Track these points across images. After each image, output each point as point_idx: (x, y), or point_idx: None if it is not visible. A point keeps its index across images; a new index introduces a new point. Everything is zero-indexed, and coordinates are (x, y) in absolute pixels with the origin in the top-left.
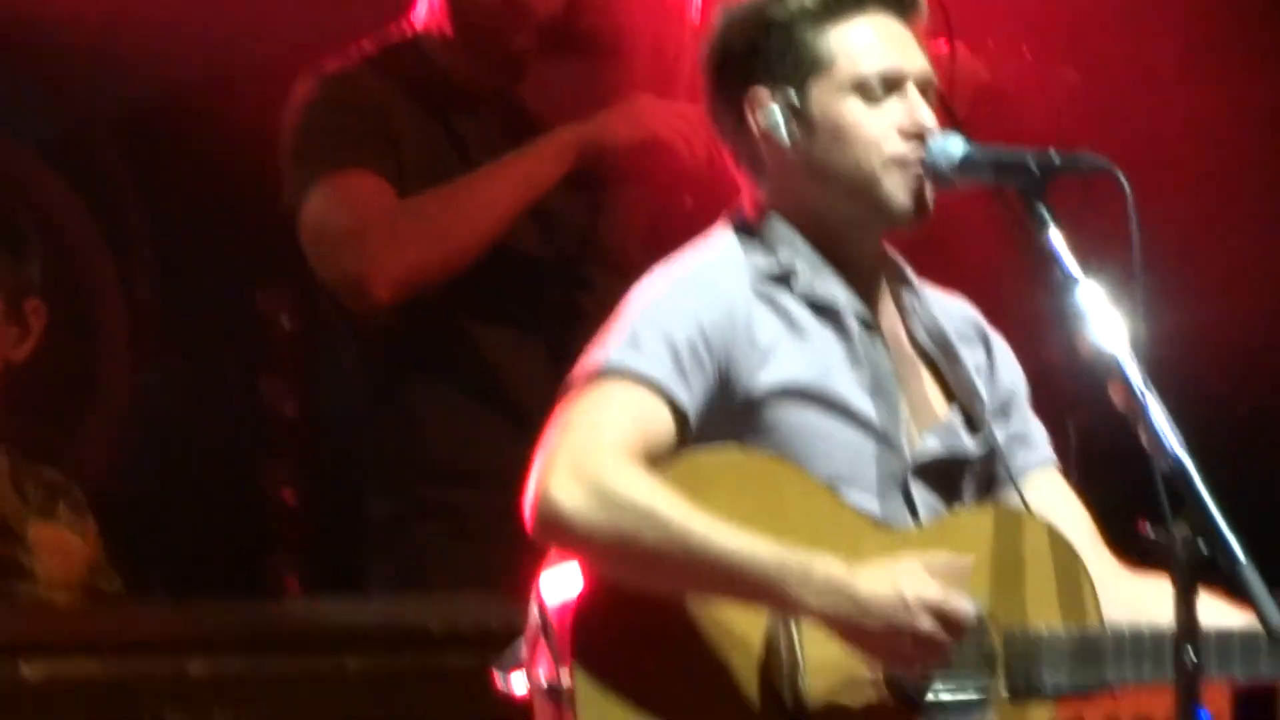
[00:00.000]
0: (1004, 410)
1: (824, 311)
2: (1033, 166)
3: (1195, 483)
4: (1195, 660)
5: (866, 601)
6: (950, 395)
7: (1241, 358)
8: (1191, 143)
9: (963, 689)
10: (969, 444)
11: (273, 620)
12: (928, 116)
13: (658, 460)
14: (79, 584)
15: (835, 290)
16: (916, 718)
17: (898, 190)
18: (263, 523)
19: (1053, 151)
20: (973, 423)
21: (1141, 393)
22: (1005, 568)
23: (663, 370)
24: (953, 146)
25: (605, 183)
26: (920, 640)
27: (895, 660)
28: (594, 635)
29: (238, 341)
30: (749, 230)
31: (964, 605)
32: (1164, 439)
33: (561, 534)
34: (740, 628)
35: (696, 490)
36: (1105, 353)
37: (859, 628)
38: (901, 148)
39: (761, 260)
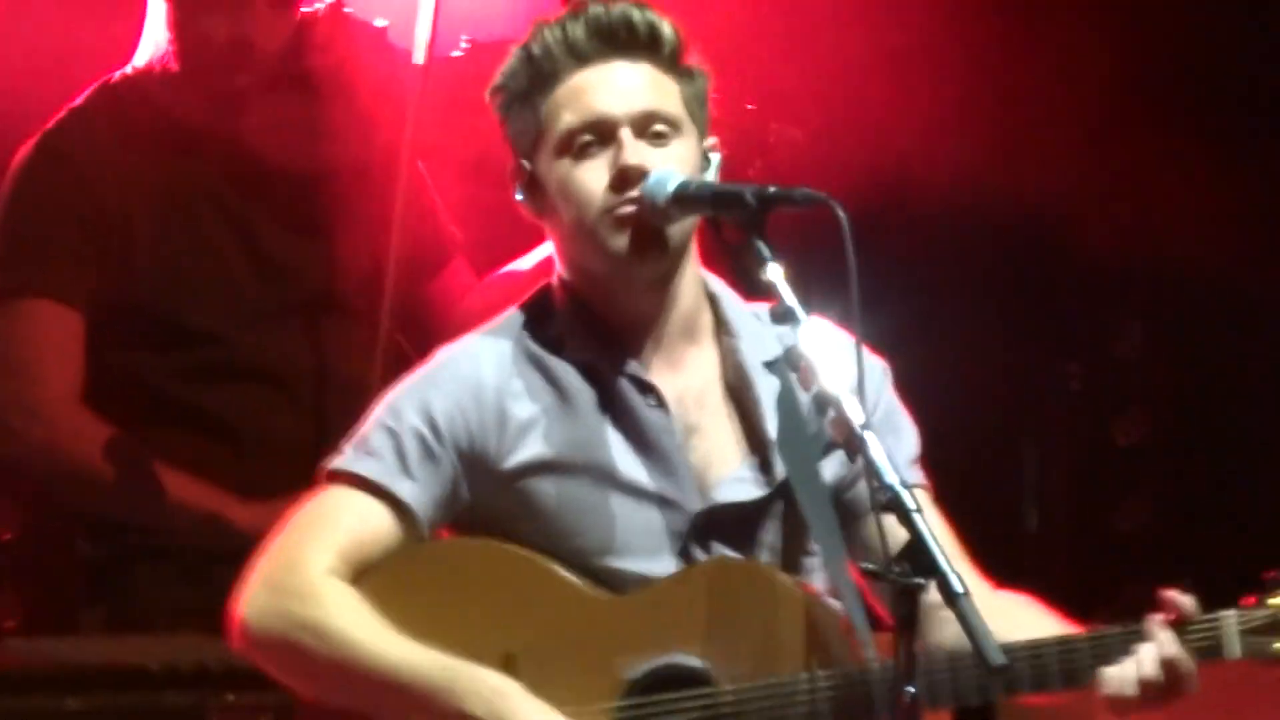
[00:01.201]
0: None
1: (594, 377)
2: (749, 198)
3: (915, 520)
4: (914, 696)
5: None
6: (754, 440)
7: (962, 390)
8: (918, 191)
9: None
10: (756, 492)
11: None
12: (638, 155)
13: (379, 557)
14: None
15: (606, 353)
16: None
17: (614, 239)
18: None
19: (773, 187)
20: (767, 467)
21: (861, 431)
22: (739, 616)
23: (384, 470)
24: (668, 180)
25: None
26: None
27: None
28: None
29: None
30: (543, 298)
31: None
32: (884, 476)
33: (245, 644)
34: None
35: (411, 594)
36: (826, 391)
37: None
38: (611, 199)
39: (541, 329)
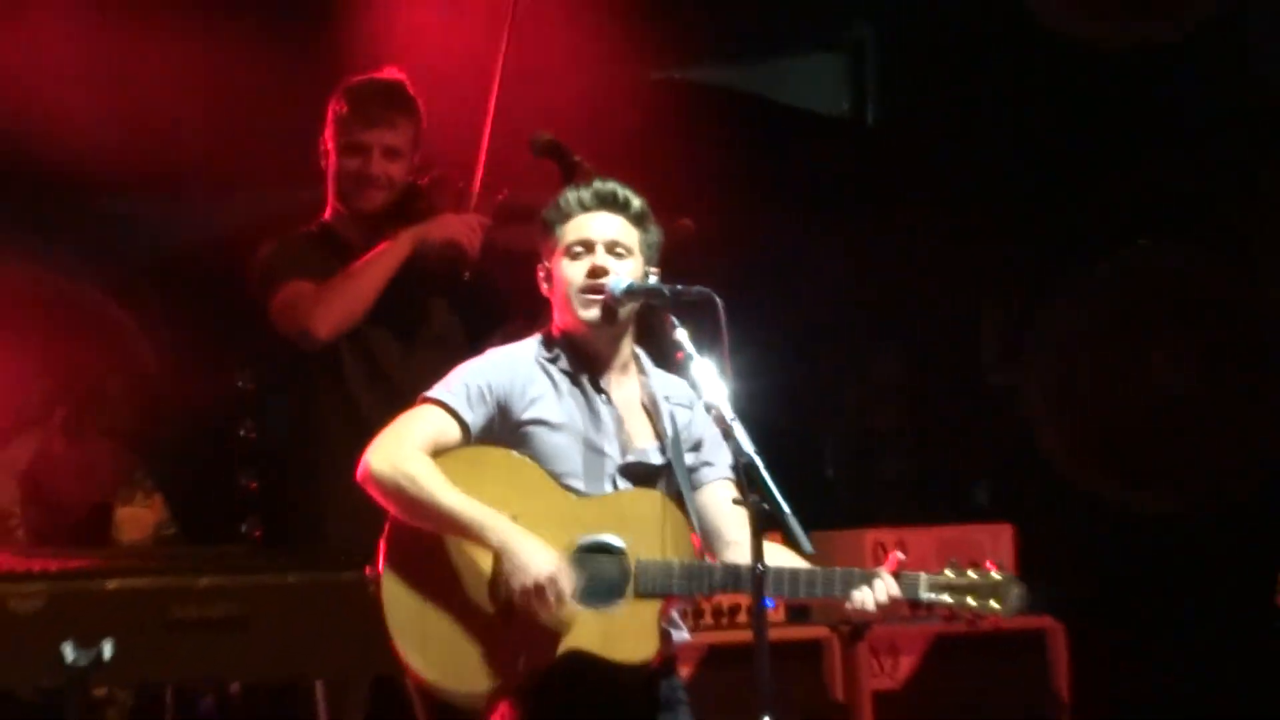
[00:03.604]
0: (696, 446)
1: (573, 379)
2: (665, 293)
3: (761, 471)
4: (763, 568)
5: (517, 554)
6: (656, 433)
7: (796, 403)
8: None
9: (608, 590)
10: (656, 460)
11: (250, 557)
12: (603, 261)
13: (446, 450)
14: (149, 538)
15: (579, 369)
16: (579, 605)
17: (585, 310)
18: (241, 501)
19: (680, 286)
20: (664, 449)
21: (732, 421)
22: (646, 520)
23: (458, 402)
24: (618, 283)
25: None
26: (525, 590)
27: (513, 588)
28: (394, 546)
29: (224, 398)
30: (546, 335)
31: (560, 591)
32: (744, 447)
33: (366, 483)
34: (482, 553)
35: (465, 464)
36: (712, 400)
37: (509, 566)
38: (584, 282)
39: (545, 349)
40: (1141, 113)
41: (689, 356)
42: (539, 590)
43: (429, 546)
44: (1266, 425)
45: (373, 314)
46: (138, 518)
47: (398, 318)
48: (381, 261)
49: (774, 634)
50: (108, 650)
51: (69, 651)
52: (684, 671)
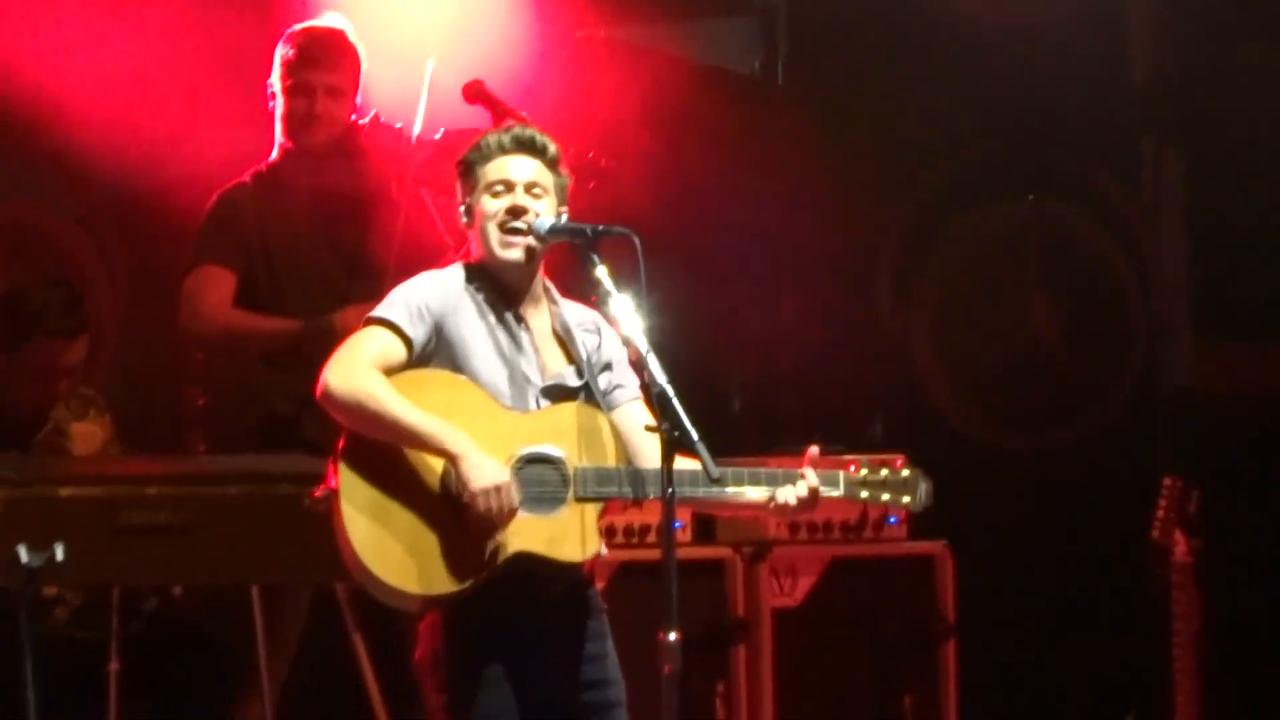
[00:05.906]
0: (608, 367)
1: (494, 307)
2: (587, 233)
3: (672, 400)
4: (671, 487)
5: (472, 465)
6: (569, 358)
7: (706, 339)
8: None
9: (550, 492)
10: (572, 382)
11: (196, 468)
12: (522, 200)
13: (394, 368)
14: (97, 453)
15: (499, 299)
16: (525, 512)
17: (505, 251)
18: (188, 417)
19: (601, 225)
20: (579, 372)
21: (647, 353)
22: (579, 432)
23: (402, 320)
24: (543, 222)
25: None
26: (479, 495)
27: (468, 495)
28: (350, 460)
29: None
30: (468, 265)
31: (510, 496)
32: (658, 377)
33: (326, 401)
34: (435, 463)
35: (412, 385)
36: (628, 334)
37: (465, 474)
38: (504, 219)
39: (469, 279)
40: (1031, 89)
41: (607, 292)
42: (492, 494)
43: (383, 460)
44: (1124, 371)
45: (314, 254)
46: (90, 434)
47: (337, 256)
48: (266, 333)
49: (680, 553)
50: (59, 553)
51: (23, 553)
52: (598, 586)
